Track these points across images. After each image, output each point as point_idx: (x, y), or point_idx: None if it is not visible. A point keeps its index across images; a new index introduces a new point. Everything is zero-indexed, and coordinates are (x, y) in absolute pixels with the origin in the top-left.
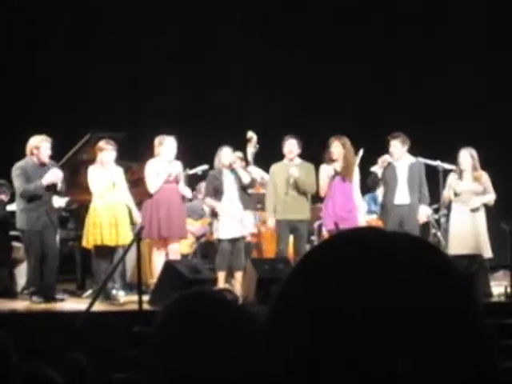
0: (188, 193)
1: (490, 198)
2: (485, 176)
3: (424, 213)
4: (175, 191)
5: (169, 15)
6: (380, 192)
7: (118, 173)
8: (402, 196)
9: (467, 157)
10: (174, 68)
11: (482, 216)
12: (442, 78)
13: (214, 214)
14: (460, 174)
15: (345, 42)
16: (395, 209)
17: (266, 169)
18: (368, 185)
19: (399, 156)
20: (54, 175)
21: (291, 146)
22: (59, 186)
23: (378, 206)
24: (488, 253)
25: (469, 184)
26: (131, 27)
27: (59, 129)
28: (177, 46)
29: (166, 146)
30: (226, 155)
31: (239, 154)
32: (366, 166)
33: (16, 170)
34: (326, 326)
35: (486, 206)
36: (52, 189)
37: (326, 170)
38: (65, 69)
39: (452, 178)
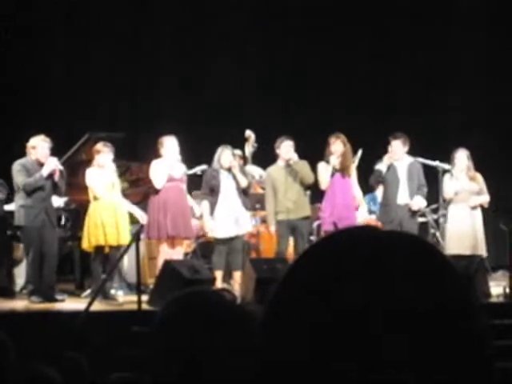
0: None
1: (486, 199)
2: (479, 177)
3: (417, 202)
4: (181, 191)
5: (167, 14)
6: (379, 192)
7: (115, 174)
8: (403, 196)
9: (464, 157)
10: (171, 67)
11: (478, 216)
12: (441, 77)
13: (212, 213)
14: (455, 172)
15: (344, 40)
16: (396, 209)
17: (264, 167)
18: (371, 182)
19: (400, 156)
20: (52, 163)
21: (288, 148)
22: (57, 176)
23: (378, 206)
24: (483, 252)
25: (466, 183)
26: (129, 26)
27: (58, 129)
28: (174, 45)
29: (167, 145)
30: (225, 157)
31: (238, 151)
32: (364, 166)
33: (16, 166)
34: (321, 326)
35: (481, 206)
36: (51, 180)
37: (324, 166)
38: (63, 68)
39: (448, 179)
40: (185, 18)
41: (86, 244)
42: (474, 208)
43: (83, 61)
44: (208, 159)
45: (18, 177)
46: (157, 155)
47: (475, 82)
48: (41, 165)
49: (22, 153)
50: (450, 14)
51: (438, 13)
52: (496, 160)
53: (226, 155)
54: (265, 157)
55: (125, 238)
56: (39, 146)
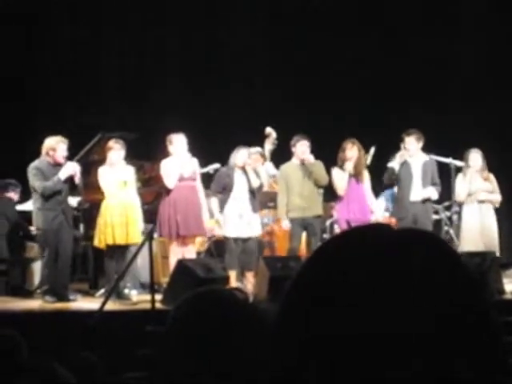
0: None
1: (497, 198)
2: (492, 177)
3: (429, 192)
4: (192, 189)
5: (175, 14)
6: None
7: (129, 172)
8: (416, 193)
9: (478, 158)
10: (183, 66)
11: (492, 215)
12: (447, 74)
13: (221, 210)
14: (470, 173)
15: (354, 40)
16: (410, 206)
17: (276, 165)
18: (384, 181)
19: (414, 153)
20: (71, 167)
21: (304, 148)
22: (77, 179)
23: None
24: (497, 251)
25: (481, 184)
26: (140, 25)
27: (70, 129)
28: (185, 42)
29: (176, 143)
30: (241, 156)
31: (259, 149)
32: (377, 163)
33: (32, 169)
34: (335, 321)
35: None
36: (70, 182)
37: (340, 173)
38: (74, 69)
39: (461, 180)
40: (193, 16)
41: (97, 242)
42: (488, 207)
43: (93, 61)
44: (220, 159)
45: (35, 181)
46: (166, 153)
47: (478, 80)
48: (56, 166)
49: (34, 153)
50: (451, 14)
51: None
52: (503, 158)
53: (241, 154)
54: (275, 155)
55: (135, 237)
56: (59, 148)
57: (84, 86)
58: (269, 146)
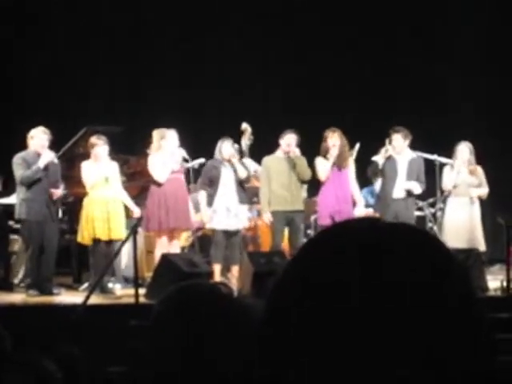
0: None
1: (484, 191)
2: (480, 170)
3: (412, 185)
4: (180, 182)
5: (167, 11)
6: (377, 185)
7: (113, 167)
8: (399, 190)
9: (466, 151)
10: (169, 62)
11: (476, 209)
12: (440, 71)
13: (209, 204)
14: (457, 166)
15: (343, 36)
16: (393, 202)
17: (259, 160)
18: (368, 174)
19: (400, 150)
20: (47, 155)
21: (290, 140)
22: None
23: (375, 198)
24: (482, 246)
25: (466, 177)
26: (131, 21)
27: (56, 123)
28: (173, 39)
29: (169, 139)
30: (226, 148)
31: (235, 146)
32: (363, 159)
33: (17, 159)
34: (322, 320)
35: (480, 199)
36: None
37: (322, 160)
38: (63, 63)
39: (448, 171)
40: (186, 14)
41: (80, 238)
42: (472, 201)
43: (82, 56)
44: (205, 153)
45: (18, 170)
46: (151, 147)
47: (475, 80)
48: (40, 155)
49: (23, 146)
50: (450, 14)
51: (438, 12)
52: (494, 155)
53: (226, 146)
54: (261, 151)
55: (117, 233)
56: (37, 137)
57: (83, 86)
58: (245, 141)
